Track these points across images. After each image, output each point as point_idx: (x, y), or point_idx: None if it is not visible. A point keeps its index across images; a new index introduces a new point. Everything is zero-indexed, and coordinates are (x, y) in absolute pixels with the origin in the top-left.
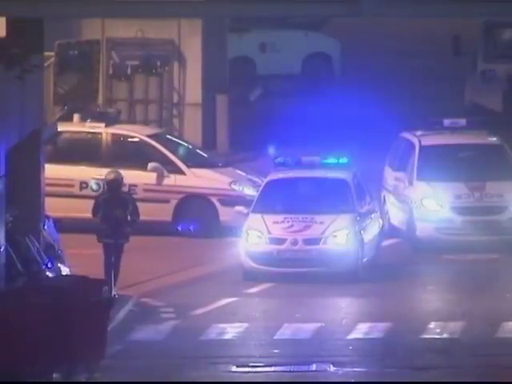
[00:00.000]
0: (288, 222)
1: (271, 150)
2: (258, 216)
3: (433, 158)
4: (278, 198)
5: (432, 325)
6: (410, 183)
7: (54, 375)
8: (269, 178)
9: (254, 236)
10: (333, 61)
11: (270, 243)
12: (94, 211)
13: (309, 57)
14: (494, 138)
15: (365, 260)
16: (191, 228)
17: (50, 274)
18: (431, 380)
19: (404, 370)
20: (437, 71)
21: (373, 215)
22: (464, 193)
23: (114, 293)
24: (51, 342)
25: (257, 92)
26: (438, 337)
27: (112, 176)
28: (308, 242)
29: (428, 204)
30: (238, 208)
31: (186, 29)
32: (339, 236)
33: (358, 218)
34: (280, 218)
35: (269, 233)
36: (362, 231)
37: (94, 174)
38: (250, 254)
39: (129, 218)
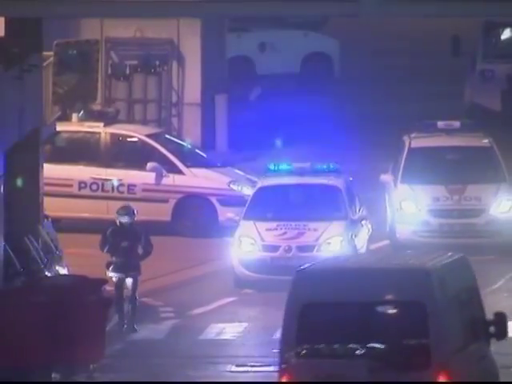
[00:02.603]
0: (281, 228)
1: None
2: (250, 223)
3: (420, 160)
4: (270, 204)
5: None
6: (395, 185)
7: (53, 375)
8: (259, 185)
9: (247, 243)
10: (332, 60)
11: (263, 250)
12: (101, 245)
13: (308, 56)
14: (486, 140)
15: None
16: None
17: (48, 274)
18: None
19: None
20: (436, 71)
21: (363, 222)
22: (443, 195)
23: (135, 327)
24: (50, 342)
25: (256, 92)
26: None
27: (122, 211)
28: (302, 249)
29: (406, 206)
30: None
31: (185, 28)
32: (333, 243)
33: (351, 225)
34: (273, 224)
35: (262, 240)
36: (354, 238)
37: (92, 174)
38: (242, 261)
39: (140, 250)
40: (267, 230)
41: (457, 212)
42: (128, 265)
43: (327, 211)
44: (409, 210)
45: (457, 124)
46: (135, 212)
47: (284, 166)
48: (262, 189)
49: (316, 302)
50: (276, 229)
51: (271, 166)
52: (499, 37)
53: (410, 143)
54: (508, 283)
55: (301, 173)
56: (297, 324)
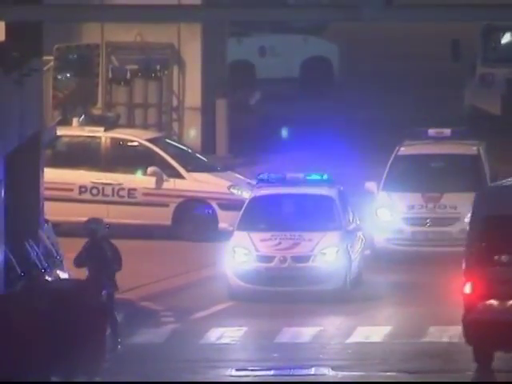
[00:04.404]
0: (275, 239)
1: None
2: (244, 233)
3: (404, 168)
4: (264, 215)
5: (431, 329)
6: (377, 193)
7: (53, 378)
8: (253, 195)
9: (241, 254)
10: (332, 65)
11: (258, 261)
12: (76, 262)
13: (308, 61)
14: (474, 148)
15: (352, 277)
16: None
17: (48, 278)
18: (431, 381)
19: (403, 373)
20: (436, 75)
21: (358, 233)
22: (418, 203)
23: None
24: (50, 346)
25: (256, 96)
26: (436, 340)
27: (87, 224)
28: (297, 259)
29: (381, 214)
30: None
31: (186, 33)
32: (328, 253)
33: (346, 235)
34: (267, 235)
35: (256, 250)
36: (349, 248)
37: (93, 178)
38: (237, 272)
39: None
40: (262, 240)
41: (430, 220)
42: (101, 281)
43: (321, 221)
44: (384, 217)
45: (447, 132)
46: (100, 224)
47: (275, 177)
48: (255, 199)
49: (497, 215)
50: (270, 239)
51: (262, 177)
52: (499, 41)
53: (397, 151)
54: None
55: (294, 183)
56: (480, 235)
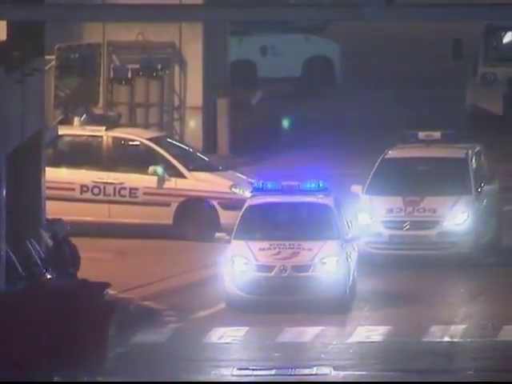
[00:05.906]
0: (275, 248)
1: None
2: (242, 243)
3: (389, 172)
4: (261, 223)
5: (433, 329)
6: (360, 196)
7: (56, 378)
8: (248, 203)
9: (241, 263)
10: (333, 64)
11: (257, 271)
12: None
13: (309, 60)
14: (462, 152)
15: (350, 284)
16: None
17: (50, 277)
18: (431, 380)
19: (404, 373)
20: (437, 74)
21: (354, 242)
22: (397, 207)
23: None
24: (52, 346)
25: (258, 95)
26: (438, 340)
27: (49, 225)
28: (297, 269)
29: (361, 218)
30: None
31: (187, 32)
32: (328, 263)
33: (345, 245)
34: (266, 244)
35: (256, 260)
36: (348, 258)
37: (94, 178)
38: (236, 281)
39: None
40: (260, 249)
41: (408, 224)
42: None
43: (320, 230)
44: (363, 221)
45: (437, 135)
46: (60, 225)
47: (270, 185)
48: (251, 208)
49: None
50: (269, 248)
51: (257, 185)
52: (501, 40)
53: (385, 154)
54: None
55: (290, 191)
56: None
